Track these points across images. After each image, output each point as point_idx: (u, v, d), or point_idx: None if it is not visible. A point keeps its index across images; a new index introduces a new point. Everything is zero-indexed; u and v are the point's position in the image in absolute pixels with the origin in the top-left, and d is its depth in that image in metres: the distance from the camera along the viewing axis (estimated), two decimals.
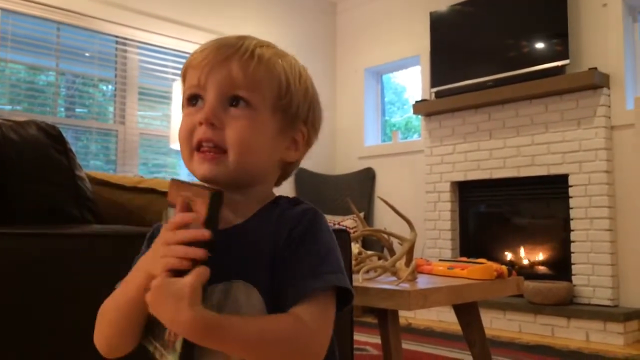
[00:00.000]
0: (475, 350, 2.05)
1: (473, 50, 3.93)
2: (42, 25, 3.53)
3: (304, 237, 0.74)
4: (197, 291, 0.62)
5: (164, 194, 1.39)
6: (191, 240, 0.64)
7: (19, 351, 0.97)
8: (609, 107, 3.36)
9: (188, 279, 0.62)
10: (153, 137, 4.03)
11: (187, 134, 0.76)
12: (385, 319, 1.65)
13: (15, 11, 3.37)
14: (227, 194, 0.74)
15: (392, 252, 1.97)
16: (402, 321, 2.26)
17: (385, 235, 1.99)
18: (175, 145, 3.40)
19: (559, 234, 3.58)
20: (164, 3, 3.94)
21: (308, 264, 0.72)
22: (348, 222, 4.16)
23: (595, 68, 3.30)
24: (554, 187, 3.55)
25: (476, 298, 1.90)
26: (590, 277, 3.33)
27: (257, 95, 0.75)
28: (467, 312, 2.05)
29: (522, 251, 3.77)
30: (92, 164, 3.76)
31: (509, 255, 3.81)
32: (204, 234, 0.64)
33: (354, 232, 2.15)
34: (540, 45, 3.62)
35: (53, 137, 1.20)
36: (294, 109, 0.79)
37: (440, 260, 2.31)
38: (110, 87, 3.94)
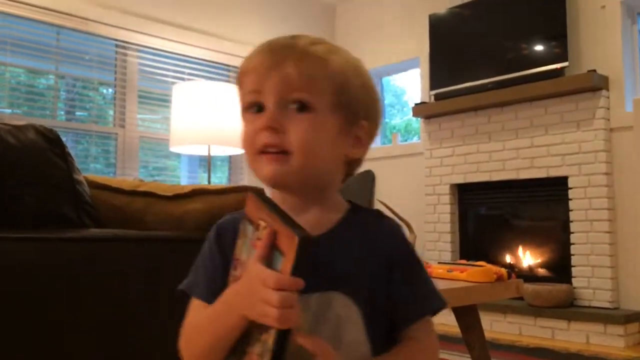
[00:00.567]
0: (475, 353, 2.04)
1: (472, 52, 3.93)
2: (41, 29, 3.53)
3: (407, 260, 0.79)
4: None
5: (162, 197, 1.39)
6: (287, 289, 0.63)
7: (16, 353, 0.96)
8: (608, 109, 3.36)
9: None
10: (153, 140, 4.03)
11: (250, 140, 0.75)
12: None
13: (14, 14, 3.38)
14: (302, 202, 0.77)
15: None
16: None
17: None
18: (175, 148, 3.40)
19: (558, 236, 3.58)
20: (163, 7, 3.95)
21: (419, 285, 0.79)
22: None
23: (594, 70, 3.31)
24: (554, 190, 3.55)
25: (476, 301, 1.90)
26: (590, 280, 3.33)
27: (315, 95, 0.74)
28: (467, 315, 2.05)
29: (521, 253, 3.76)
30: (92, 168, 3.77)
31: (508, 258, 3.81)
32: (299, 283, 0.63)
33: None
34: (539, 47, 3.62)
35: (51, 141, 1.20)
36: (354, 105, 0.78)
37: (439, 262, 2.31)
38: (110, 90, 3.94)
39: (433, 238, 4.06)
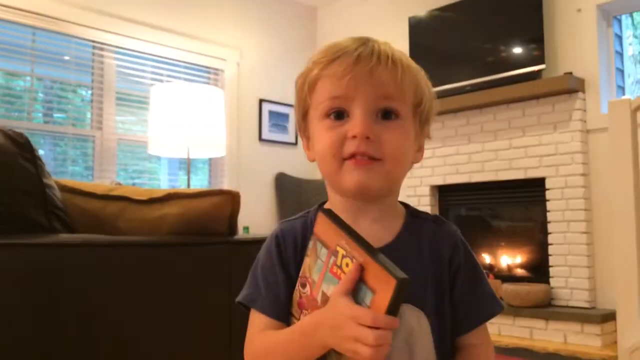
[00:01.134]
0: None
1: (451, 55, 3.96)
2: (16, 30, 3.48)
3: (469, 264, 0.79)
4: None
5: (136, 201, 1.38)
6: (383, 328, 0.62)
7: None
8: (585, 111, 3.41)
9: None
10: (132, 143, 3.99)
11: (334, 148, 0.74)
12: None
13: None
14: (365, 205, 0.77)
15: None
16: None
17: None
18: (154, 150, 3.36)
19: (537, 237, 3.61)
20: (140, 7, 3.91)
21: (484, 291, 0.80)
22: None
23: (571, 73, 3.35)
24: (532, 191, 3.59)
25: None
26: (567, 279, 3.37)
27: (404, 104, 0.76)
28: None
29: (501, 254, 3.80)
30: (70, 170, 3.72)
31: (488, 258, 3.84)
32: (394, 323, 0.62)
33: None
34: (517, 50, 3.66)
35: (20, 145, 1.18)
36: (426, 113, 0.80)
37: None
38: (88, 92, 3.89)
39: None
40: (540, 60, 3.48)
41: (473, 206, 4.03)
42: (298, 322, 0.73)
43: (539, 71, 3.50)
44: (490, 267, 3.74)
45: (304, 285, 0.74)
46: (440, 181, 3.98)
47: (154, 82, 3.92)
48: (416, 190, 4.09)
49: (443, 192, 4.04)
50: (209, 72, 4.33)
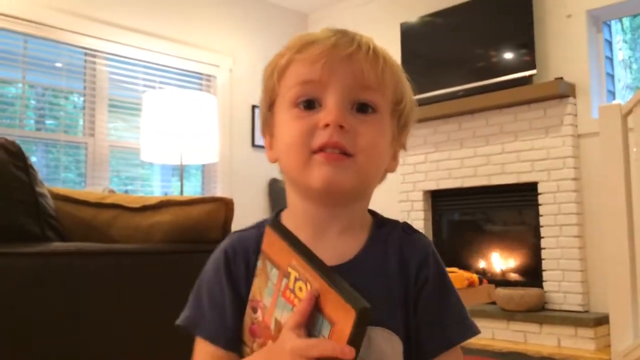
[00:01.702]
0: None
1: (443, 60, 3.98)
2: (8, 37, 3.47)
3: (437, 279, 0.70)
4: None
5: (129, 209, 1.37)
6: (331, 357, 0.54)
7: None
8: (576, 115, 3.43)
9: None
10: (124, 149, 3.98)
11: (302, 138, 0.65)
12: None
13: None
14: (333, 211, 0.67)
15: None
16: None
17: None
18: (146, 156, 3.35)
19: (529, 241, 3.63)
20: (132, 14, 3.91)
21: (451, 311, 0.69)
22: None
23: (561, 78, 3.37)
24: (524, 195, 3.61)
25: None
26: (560, 283, 3.38)
27: (383, 99, 0.68)
28: None
29: (494, 258, 3.81)
30: (63, 177, 3.70)
31: (481, 263, 3.85)
32: (349, 352, 0.54)
33: None
34: (508, 55, 3.69)
35: (12, 154, 1.17)
36: (405, 117, 0.72)
37: None
38: (80, 99, 3.88)
39: None
40: (531, 66, 3.51)
41: (466, 211, 4.04)
42: (249, 358, 0.64)
43: (530, 76, 3.52)
44: (484, 272, 3.75)
45: (255, 310, 0.65)
46: (433, 186, 3.99)
47: (146, 88, 3.91)
48: (409, 196, 4.10)
49: (436, 197, 4.05)
50: (201, 79, 4.32)
